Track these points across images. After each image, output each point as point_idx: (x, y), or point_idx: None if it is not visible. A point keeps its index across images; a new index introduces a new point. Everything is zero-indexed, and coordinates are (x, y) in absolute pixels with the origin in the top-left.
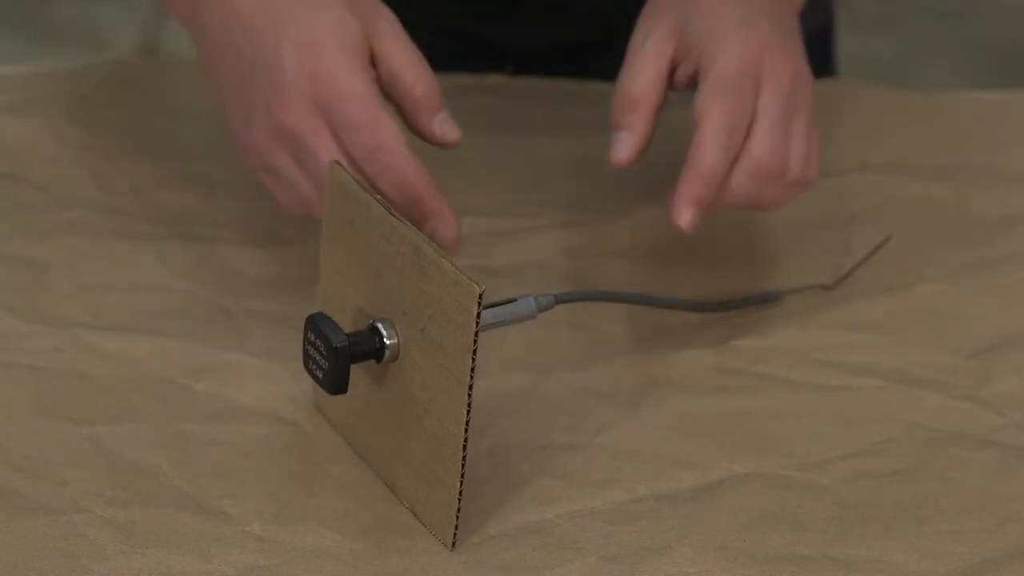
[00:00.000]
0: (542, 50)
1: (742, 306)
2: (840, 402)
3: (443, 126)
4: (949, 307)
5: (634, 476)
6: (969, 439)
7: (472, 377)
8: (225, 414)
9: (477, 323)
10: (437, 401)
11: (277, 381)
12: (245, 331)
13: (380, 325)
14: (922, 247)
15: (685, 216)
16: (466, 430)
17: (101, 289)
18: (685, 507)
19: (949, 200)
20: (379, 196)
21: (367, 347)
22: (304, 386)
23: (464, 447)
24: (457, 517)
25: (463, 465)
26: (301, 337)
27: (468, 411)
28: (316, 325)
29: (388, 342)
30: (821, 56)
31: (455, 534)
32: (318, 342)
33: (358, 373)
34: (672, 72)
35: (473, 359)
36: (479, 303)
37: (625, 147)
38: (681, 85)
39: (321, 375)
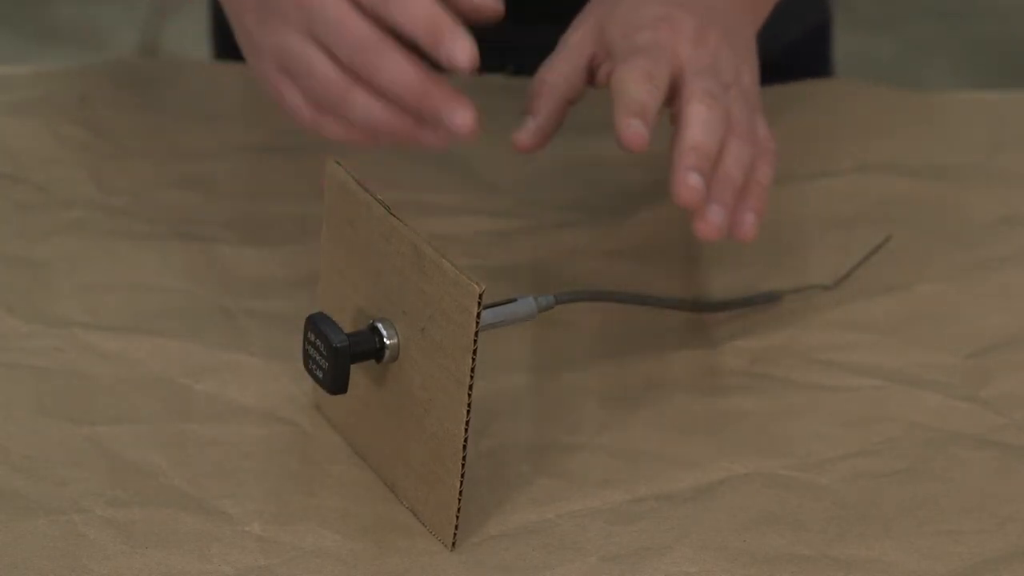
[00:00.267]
0: (542, 50)
1: (742, 306)
2: (840, 402)
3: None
4: (949, 307)
5: (634, 476)
6: (969, 439)
7: (472, 377)
8: (225, 414)
9: (477, 323)
10: (437, 401)
11: (277, 381)
12: (245, 331)
13: (380, 325)
14: (922, 247)
15: (633, 126)
16: (466, 430)
17: (101, 289)
18: (685, 507)
19: (949, 200)
20: (379, 196)
21: (367, 347)
22: (304, 386)
23: (464, 447)
24: (457, 517)
25: (463, 465)
26: (301, 337)
27: (468, 411)
28: (316, 325)
29: (388, 342)
30: (820, 55)
31: (455, 534)
32: (318, 342)
33: (358, 373)
34: (595, 70)
35: (473, 359)
36: (479, 303)
37: (527, 130)
38: (603, 84)
39: (321, 375)
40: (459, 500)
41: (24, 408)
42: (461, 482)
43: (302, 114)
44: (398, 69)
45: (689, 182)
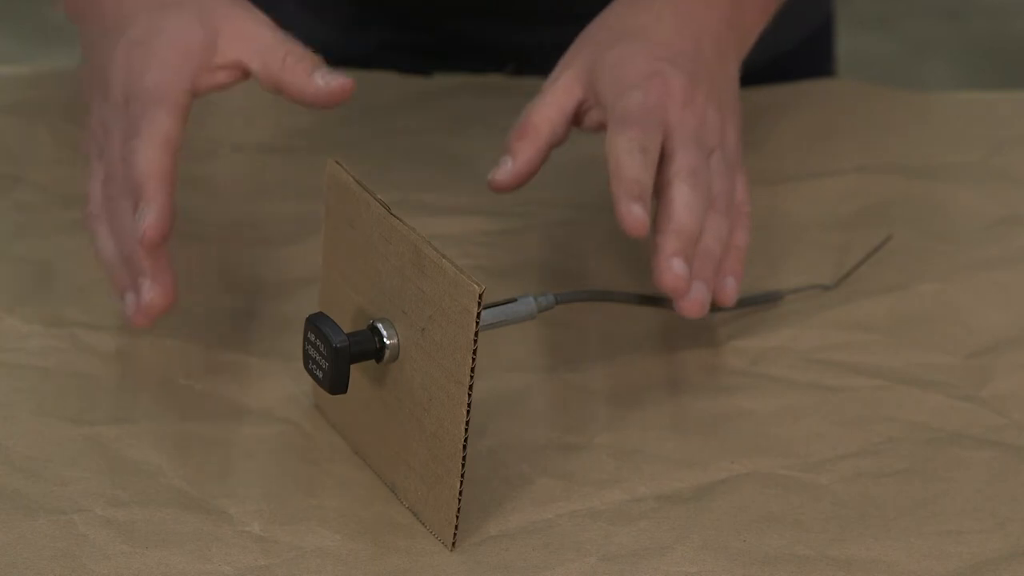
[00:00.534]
0: (542, 50)
1: (742, 306)
2: (840, 402)
3: (325, 78)
4: (949, 307)
5: (634, 476)
6: (969, 439)
7: (472, 377)
8: (225, 414)
9: (477, 323)
10: (437, 401)
11: (277, 381)
12: (245, 331)
13: (380, 325)
14: (922, 247)
15: (634, 212)
16: (466, 430)
17: (101, 289)
18: (685, 507)
19: (949, 200)
20: (379, 196)
21: (367, 347)
22: (304, 386)
23: (464, 447)
24: (457, 517)
25: (463, 465)
26: (301, 337)
27: (468, 411)
28: (316, 325)
29: (388, 342)
30: (820, 55)
31: (455, 534)
32: (318, 342)
33: (358, 373)
34: (582, 115)
35: (473, 359)
36: (479, 303)
37: (503, 171)
38: (589, 130)
39: (321, 375)
40: (459, 500)
41: (24, 408)
42: (461, 482)
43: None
44: (128, 219)
45: (673, 269)
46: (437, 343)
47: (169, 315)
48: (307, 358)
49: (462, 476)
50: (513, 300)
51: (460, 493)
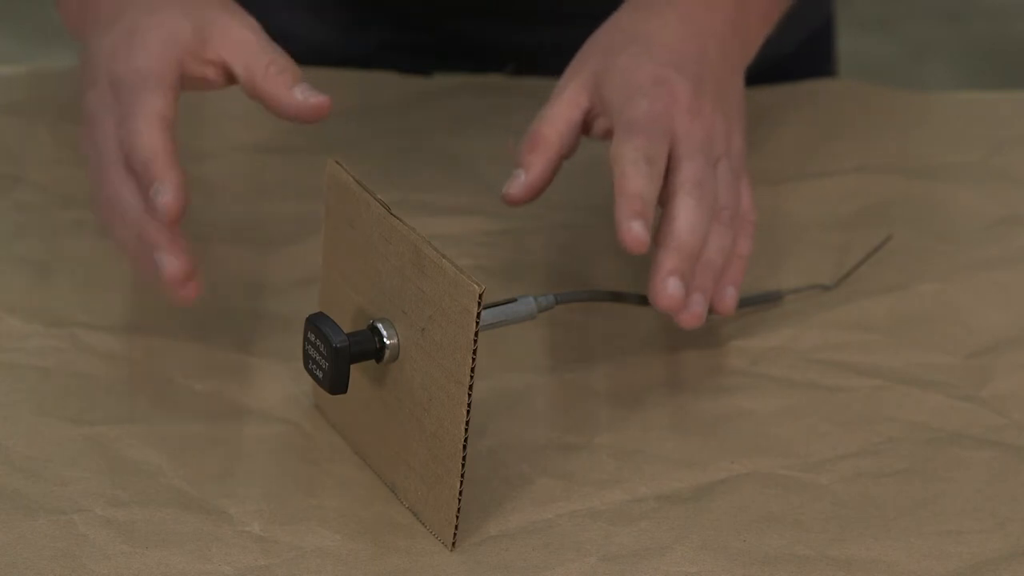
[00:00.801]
0: (542, 50)
1: (742, 306)
2: (840, 402)
3: (304, 94)
4: (949, 307)
5: (634, 476)
6: (969, 439)
7: (472, 377)
8: (225, 414)
9: (477, 323)
10: (437, 401)
11: (277, 381)
12: (245, 331)
13: (380, 325)
14: (922, 247)
15: (634, 229)
16: (466, 430)
17: (101, 289)
18: (685, 507)
19: (949, 200)
20: (379, 196)
21: (367, 347)
22: (304, 386)
23: (464, 447)
24: (457, 517)
25: (463, 465)
26: (301, 337)
27: (468, 411)
28: (316, 325)
29: (388, 342)
30: (821, 56)
31: (455, 534)
32: (318, 342)
33: (358, 373)
34: (590, 123)
35: (473, 359)
36: (479, 303)
37: (517, 184)
38: (597, 137)
39: (321, 375)
40: (459, 500)
41: (24, 408)
42: (461, 482)
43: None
44: (132, 202)
45: (669, 290)
46: (437, 343)
47: (169, 315)
48: (307, 358)
49: (462, 476)
50: (513, 300)
51: (460, 493)
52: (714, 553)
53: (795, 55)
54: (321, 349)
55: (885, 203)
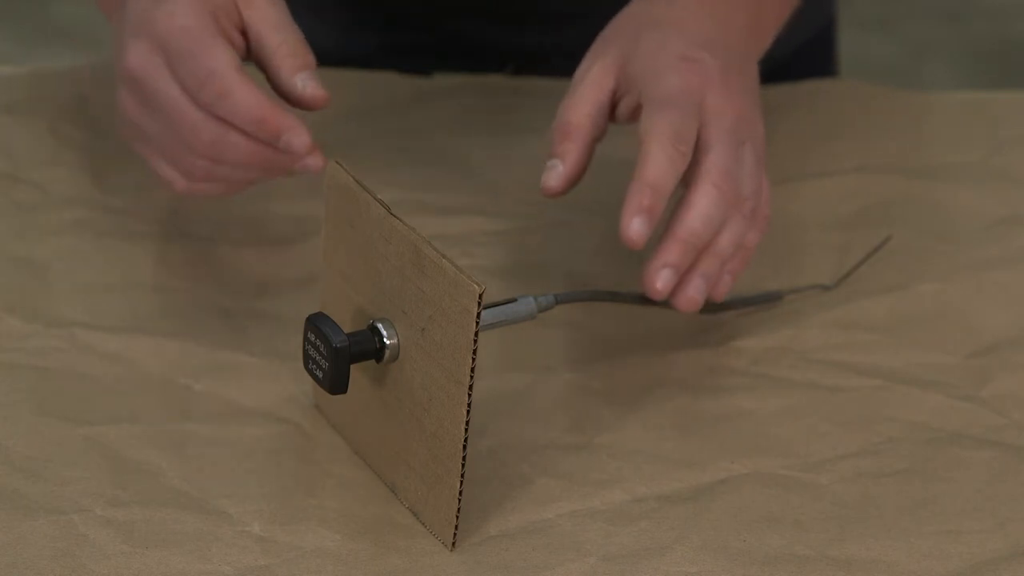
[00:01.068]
0: (542, 50)
1: (742, 306)
2: (840, 402)
3: (305, 83)
4: (949, 307)
5: (634, 476)
6: (969, 439)
7: (472, 377)
8: (225, 414)
9: (477, 323)
10: (437, 401)
11: (277, 381)
12: (245, 331)
13: (380, 325)
14: (922, 247)
15: (635, 227)
16: (466, 430)
17: (101, 289)
18: (685, 507)
19: (949, 200)
20: (379, 196)
21: (367, 347)
22: (304, 386)
23: (464, 447)
24: (457, 517)
25: (463, 465)
26: (301, 337)
27: (468, 411)
28: (316, 325)
29: (388, 342)
30: (822, 56)
31: (455, 534)
32: (318, 342)
33: (358, 373)
34: (615, 105)
35: (473, 359)
36: (479, 303)
37: (556, 175)
38: (623, 119)
39: (321, 375)
40: (459, 500)
41: (24, 408)
42: (461, 482)
43: (175, 185)
44: (241, 96)
45: (658, 283)
46: (437, 343)
47: (169, 315)
48: (307, 358)
49: (462, 476)
50: (513, 300)
51: (460, 493)
52: (714, 553)
53: (797, 55)
54: (321, 349)
55: (885, 203)
